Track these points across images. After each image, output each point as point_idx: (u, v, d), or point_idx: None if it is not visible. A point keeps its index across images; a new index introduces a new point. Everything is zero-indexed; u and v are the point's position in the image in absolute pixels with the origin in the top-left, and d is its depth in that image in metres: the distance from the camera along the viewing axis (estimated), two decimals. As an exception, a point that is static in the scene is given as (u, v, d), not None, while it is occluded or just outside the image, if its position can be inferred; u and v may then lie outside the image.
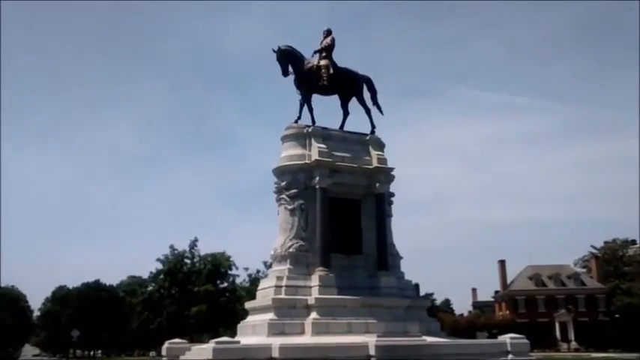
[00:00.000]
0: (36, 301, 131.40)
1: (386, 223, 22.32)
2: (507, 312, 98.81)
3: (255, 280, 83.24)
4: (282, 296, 19.70)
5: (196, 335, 79.14)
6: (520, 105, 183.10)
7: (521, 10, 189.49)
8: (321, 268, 20.43)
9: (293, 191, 21.43)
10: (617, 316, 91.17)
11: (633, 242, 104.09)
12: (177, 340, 22.08)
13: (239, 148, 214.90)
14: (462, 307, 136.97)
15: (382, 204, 22.27)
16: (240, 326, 21.62)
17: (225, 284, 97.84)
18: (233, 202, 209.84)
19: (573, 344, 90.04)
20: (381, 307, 20.39)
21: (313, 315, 19.33)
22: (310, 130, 22.37)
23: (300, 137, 22.35)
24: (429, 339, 17.91)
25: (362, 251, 21.82)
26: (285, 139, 22.80)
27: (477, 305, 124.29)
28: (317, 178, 21.24)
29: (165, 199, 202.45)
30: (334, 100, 24.30)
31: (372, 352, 15.99)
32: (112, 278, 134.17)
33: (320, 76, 22.91)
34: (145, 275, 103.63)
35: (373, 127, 23.96)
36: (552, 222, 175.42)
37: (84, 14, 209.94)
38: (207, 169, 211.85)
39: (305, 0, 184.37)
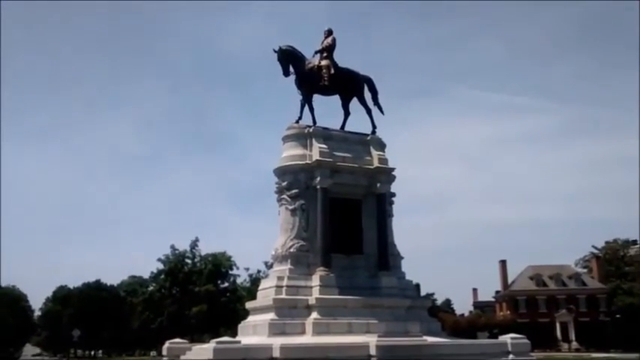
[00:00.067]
0: (37, 300, 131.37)
1: (387, 223, 22.32)
2: (508, 312, 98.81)
3: (255, 280, 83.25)
4: (283, 296, 19.72)
5: (197, 335, 79.17)
6: (520, 105, 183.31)
7: (521, 10, 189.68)
8: (321, 268, 20.44)
9: (294, 191, 21.43)
10: (618, 316, 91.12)
11: (634, 242, 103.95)
12: (177, 340, 22.08)
13: (239, 148, 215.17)
14: (463, 307, 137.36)
15: (383, 204, 22.26)
16: (240, 326, 21.62)
17: (226, 284, 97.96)
18: (234, 202, 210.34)
19: (574, 344, 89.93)
20: (382, 307, 20.38)
21: (314, 315, 19.33)
22: (311, 130, 22.38)
23: (301, 137, 22.36)
24: (430, 339, 17.92)
25: (363, 251, 21.81)
26: (286, 139, 22.81)
27: (478, 305, 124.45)
28: (318, 178, 21.24)
29: (165, 199, 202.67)
30: (335, 100, 24.32)
31: (372, 352, 15.99)
32: (112, 278, 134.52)
33: (321, 77, 22.92)
34: (146, 275, 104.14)
35: (374, 127, 23.98)
36: (553, 222, 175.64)
37: (84, 14, 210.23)
38: (208, 169, 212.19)
39: (305, 0, 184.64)
